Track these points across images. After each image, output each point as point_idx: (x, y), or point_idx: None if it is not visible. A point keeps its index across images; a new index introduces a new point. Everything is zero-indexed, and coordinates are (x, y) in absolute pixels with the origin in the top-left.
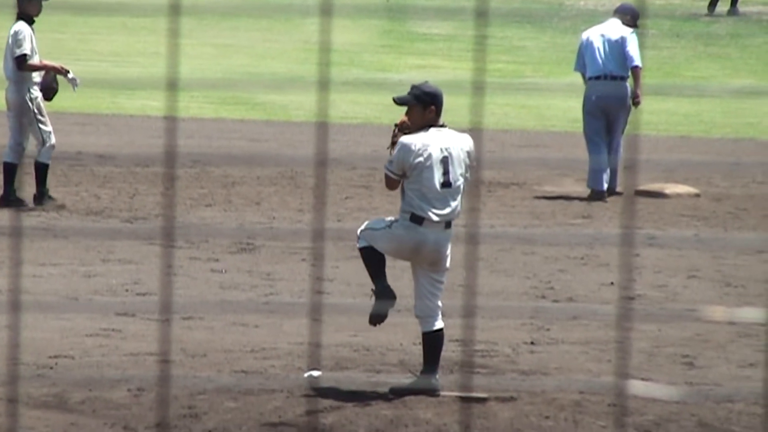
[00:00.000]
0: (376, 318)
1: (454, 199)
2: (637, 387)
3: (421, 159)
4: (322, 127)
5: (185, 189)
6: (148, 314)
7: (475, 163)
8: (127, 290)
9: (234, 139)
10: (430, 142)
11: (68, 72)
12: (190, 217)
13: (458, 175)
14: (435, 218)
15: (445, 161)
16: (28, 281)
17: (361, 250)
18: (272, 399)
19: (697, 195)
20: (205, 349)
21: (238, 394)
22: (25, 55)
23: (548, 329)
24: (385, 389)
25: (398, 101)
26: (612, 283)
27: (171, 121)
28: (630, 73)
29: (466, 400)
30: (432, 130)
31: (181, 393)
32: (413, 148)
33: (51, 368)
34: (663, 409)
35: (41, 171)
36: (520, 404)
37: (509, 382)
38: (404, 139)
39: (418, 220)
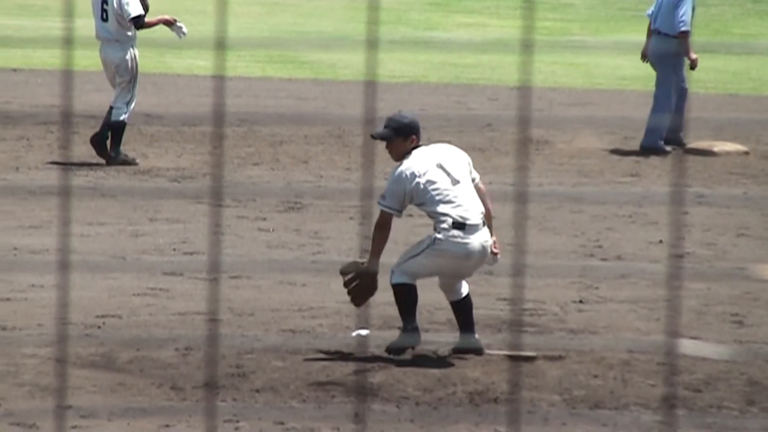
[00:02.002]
0: (396, 351)
1: (472, 196)
2: (686, 346)
3: (418, 179)
4: (370, 86)
5: (233, 148)
6: (196, 273)
7: (472, 169)
8: (174, 249)
9: (281, 98)
10: (418, 162)
11: (176, 21)
12: (237, 176)
13: (461, 173)
14: (470, 214)
15: (441, 167)
16: (76, 241)
17: (395, 286)
18: (320, 358)
19: (746, 153)
20: (252, 308)
21: (286, 353)
22: (141, 15)
23: (597, 288)
24: (433, 348)
25: (377, 137)
26: (661, 242)
27: (218, 80)
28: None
29: (514, 358)
30: (414, 152)
31: (228, 352)
32: (405, 175)
33: (99, 328)
34: (712, 368)
35: (121, 131)
36: (569, 363)
37: (558, 341)
38: (397, 170)
39: (460, 225)
